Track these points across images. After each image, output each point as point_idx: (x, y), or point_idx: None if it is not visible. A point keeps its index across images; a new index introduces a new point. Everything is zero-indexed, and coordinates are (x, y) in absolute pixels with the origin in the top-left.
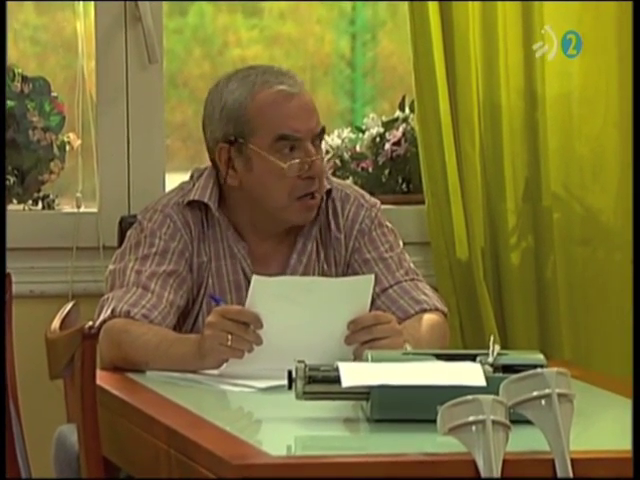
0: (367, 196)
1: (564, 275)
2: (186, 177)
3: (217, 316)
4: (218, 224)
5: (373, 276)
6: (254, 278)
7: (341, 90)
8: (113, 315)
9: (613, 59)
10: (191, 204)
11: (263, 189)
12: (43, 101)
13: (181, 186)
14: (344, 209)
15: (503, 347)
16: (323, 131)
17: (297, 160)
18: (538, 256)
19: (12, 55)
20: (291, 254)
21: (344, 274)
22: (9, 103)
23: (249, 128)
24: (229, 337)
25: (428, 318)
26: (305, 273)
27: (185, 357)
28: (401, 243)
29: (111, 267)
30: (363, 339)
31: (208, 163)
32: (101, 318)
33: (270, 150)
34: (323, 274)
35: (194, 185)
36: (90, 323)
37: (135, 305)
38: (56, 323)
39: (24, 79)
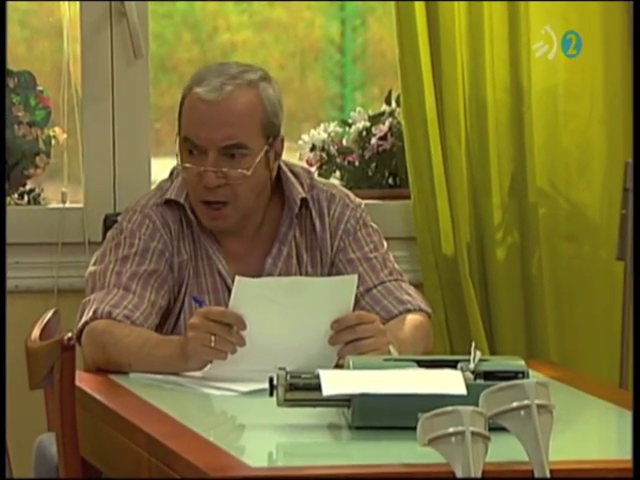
0: (352, 196)
1: (550, 271)
2: (174, 162)
3: (200, 318)
4: (193, 225)
5: (356, 276)
6: (237, 279)
7: (331, 75)
8: (95, 317)
9: (598, 54)
10: (169, 203)
11: (184, 180)
12: (28, 95)
13: (160, 185)
14: (330, 209)
15: (488, 342)
16: (238, 146)
17: (190, 165)
18: (524, 251)
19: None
20: (266, 258)
21: (329, 274)
22: None
23: (179, 121)
24: (212, 339)
25: (412, 318)
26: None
27: (168, 359)
28: (385, 244)
29: (91, 269)
30: (347, 339)
31: None
32: (83, 320)
33: (181, 148)
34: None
35: (172, 184)
36: (69, 334)
37: (117, 306)
38: (36, 332)
39: (9, 73)
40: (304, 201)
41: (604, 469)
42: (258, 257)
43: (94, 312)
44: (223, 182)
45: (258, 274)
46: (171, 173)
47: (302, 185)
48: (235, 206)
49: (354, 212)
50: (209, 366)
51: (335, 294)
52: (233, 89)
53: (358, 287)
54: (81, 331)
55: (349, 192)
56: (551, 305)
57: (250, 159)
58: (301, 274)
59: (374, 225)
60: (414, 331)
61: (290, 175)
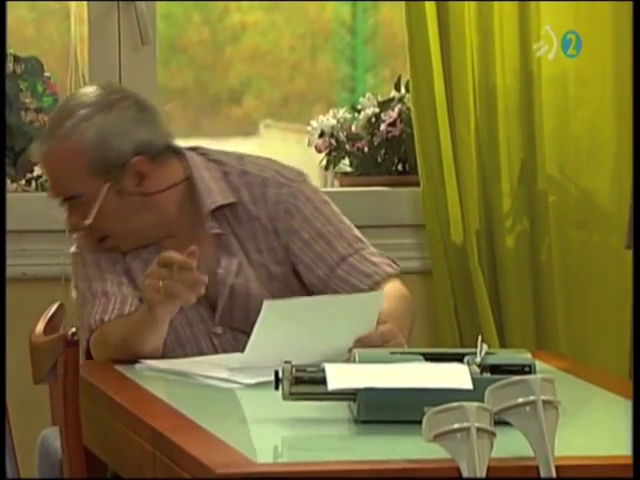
0: (286, 171)
1: (559, 258)
2: (185, 144)
3: (153, 264)
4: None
5: (382, 293)
6: (265, 303)
7: (342, 57)
8: (92, 330)
9: (608, 40)
10: None
11: None
12: (36, 82)
13: None
14: (265, 193)
15: (497, 330)
16: (72, 198)
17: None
18: (533, 239)
19: (9, 20)
20: (219, 262)
21: (286, 259)
22: None
23: None
24: (160, 283)
25: (388, 295)
26: (237, 271)
27: (141, 316)
28: (336, 209)
29: (73, 297)
30: None
31: (206, 131)
32: (85, 339)
33: None
34: (260, 264)
35: None
36: (73, 329)
37: (105, 312)
38: (40, 326)
39: (16, 59)
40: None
41: (611, 465)
42: (211, 256)
43: (89, 327)
44: (82, 227)
45: (214, 273)
46: None
47: (227, 175)
48: (116, 236)
49: (289, 189)
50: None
51: (359, 310)
52: (50, 145)
53: (322, 268)
54: (87, 349)
55: (283, 167)
56: (560, 293)
57: (88, 205)
58: (250, 262)
59: (318, 194)
60: (402, 305)
61: (205, 180)
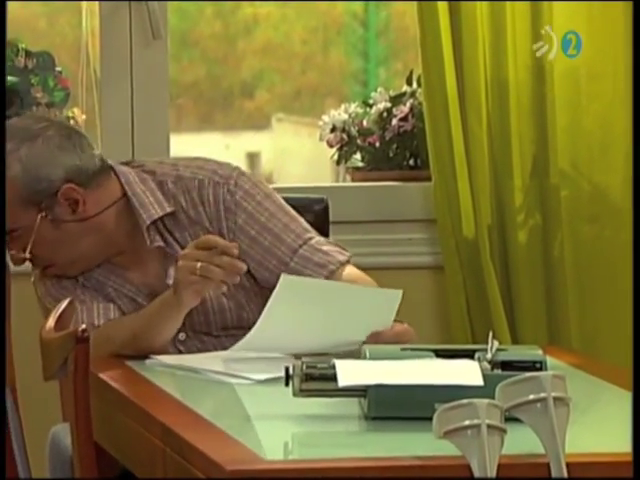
0: (223, 169)
1: (571, 253)
2: (197, 138)
3: (190, 247)
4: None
5: (402, 291)
6: (282, 276)
7: (354, 50)
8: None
9: (620, 34)
10: None
11: None
12: (47, 76)
13: None
14: (202, 196)
15: (509, 326)
16: (9, 232)
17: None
18: (545, 234)
19: (22, 13)
20: (165, 272)
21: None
22: (12, 79)
23: None
24: (198, 265)
25: (353, 278)
26: None
27: (163, 306)
28: (279, 200)
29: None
30: None
31: (218, 125)
32: (81, 330)
33: None
34: None
35: None
36: (84, 326)
37: (91, 317)
38: (51, 322)
39: (28, 54)
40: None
41: (622, 462)
42: (157, 266)
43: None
44: (24, 259)
45: (165, 284)
46: None
47: (163, 184)
48: (60, 264)
49: (226, 187)
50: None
51: (377, 305)
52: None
53: (273, 262)
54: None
55: (218, 165)
56: (572, 288)
57: (25, 237)
58: None
59: (259, 187)
60: (367, 281)
61: (140, 195)
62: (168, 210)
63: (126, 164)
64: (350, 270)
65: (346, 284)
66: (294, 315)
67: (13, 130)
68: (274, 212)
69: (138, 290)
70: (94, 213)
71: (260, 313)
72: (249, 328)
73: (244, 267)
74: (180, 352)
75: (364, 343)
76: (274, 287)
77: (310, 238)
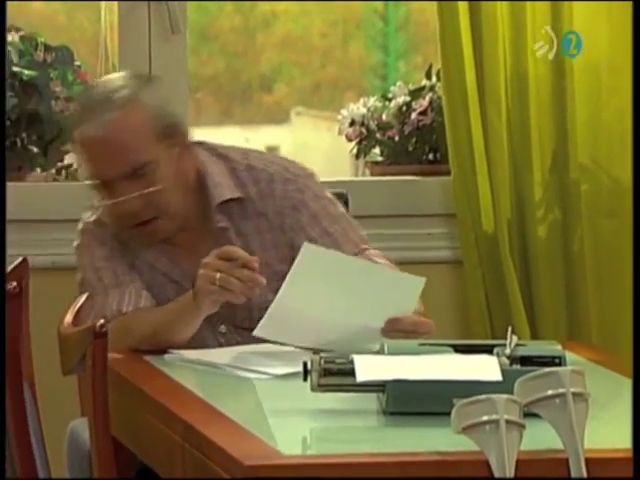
0: (294, 167)
1: (591, 248)
2: (217, 132)
3: (211, 256)
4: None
5: (425, 279)
6: (305, 245)
7: (374, 44)
8: (107, 321)
9: None
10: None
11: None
12: (66, 70)
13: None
14: (272, 189)
15: (529, 321)
16: (142, 167)
17: (108, 202)
18: (565, 229)
19: (42, 9)
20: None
21: (289, 257)
22: (31, 73)
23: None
24: (217, 276)
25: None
26: None
27: (182, 307)
28: (343, 210)
29: (77, 278)
30: (398, 339)
31: (237, 118)
32: (99, 325)
33: (90, 185)
34: (264, 263)
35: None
36: (102, 321)
37: (121, 302)
38: (69, 317)
39: (47, 48)
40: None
41: None
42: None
43: (104, 318)
44: (143, 204)
45: None
46: None
47: (234, 171)
48: (166, 217)
49: (296, 185)
50: (261, 329)
51: (400, 290)
52: (113, 116)
53: None
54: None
55: (291, 163)
56: (592, 283)
57: (158, 171)
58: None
59: (325, 192)
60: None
61: (214, 174)
62: (238, 195)
63: (198, 144)
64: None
65: (371, 263)
66: (315, 287)
67: (124, 76)
68: (336, 218)
69: (185, 275)
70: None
71: None
72: None
73: (264, 281)
74: (220, 344)
75: (384, 332)
76: None
77: (366, 249)
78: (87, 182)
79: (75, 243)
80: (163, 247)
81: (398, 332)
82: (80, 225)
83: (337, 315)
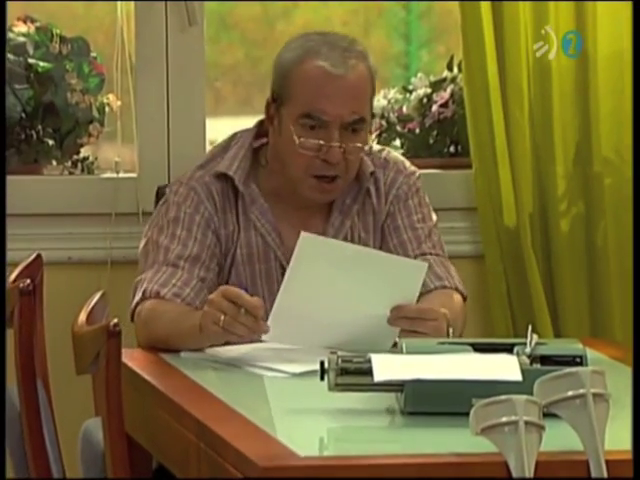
0: (407, 163)
1: (615, 242)
2: (236, 122)
3: (218, 294)
4: (243, 198)
5: (427, 265)
6: (302, 234)
7: (395, 33)
8: (144, 297)
9: None
10: (217, 176)
11: (285, 155)
12: (82, 62)
13: (212, 154)
14: (384, 174)
15: (551, 316)
16: (361, 121)
17: (313, 140)
18: (589, 223)
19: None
20: (327, 229)
21: (378, 240)
22: (46, 65)
23: (287, 92)
24: (222, 318)
25: (458, 299)
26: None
27: (190, 330)
28: (435, 218)
29: (141, 245)
30: (403, 327)
31: (257, 108)
32: (134, 302)
33: (295, 122)
34: (364, 244)
35: (226, 153)
36: (115, 320)
37: (165, 285)
38: (83, 316)
39: (62, 40)
40: (372, 174)
41: None
42: (316, 229)
43: (143, 293)
44: (344, 157)
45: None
46: (231, 139)
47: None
48: (345, 179)
49: (407, 179)
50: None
51: (402, 276)
52: (355, 62)
53: (398, 253)
54: (133, 312)
55: (405, 160)
56: (616, 278)
57: (365, 133)
58: (353, 240)
59: (427, 198)
60: (461, 315)
61: None
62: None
63: None
64: (458, 297)
65: (370, 249)
66: (315, 281)
67: (346, 36)
68: (426, 220)
69: (280, 243)
70: None
71: None
72: None
73: (268, 330)
74: None
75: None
76: None
77: (443, 257)
78: (294, 115)
79: (172, 194)
80: (276, 208)
81: (402, 320)
82: (184, 180)
83: (341, 312)
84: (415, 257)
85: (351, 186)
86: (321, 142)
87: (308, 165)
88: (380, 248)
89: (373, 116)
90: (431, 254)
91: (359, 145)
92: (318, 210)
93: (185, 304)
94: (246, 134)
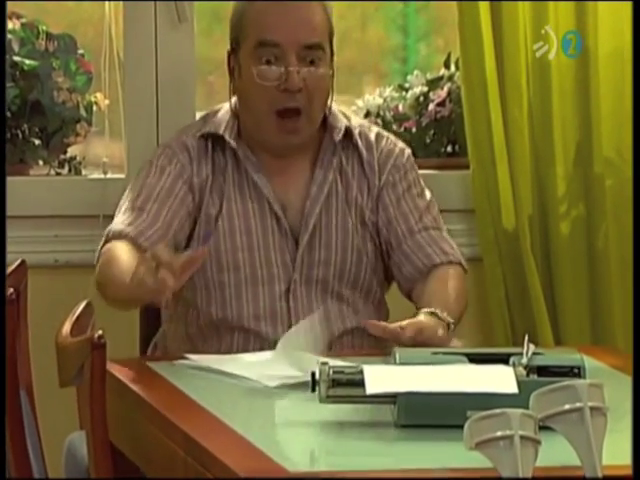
0: (399, 140)
1: (616, 245)
2: None
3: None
4: (234, 156)
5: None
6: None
7: (393, 25)
8: (107, 239)
9: None
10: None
11: (247, 94)
12: (69, 60)
13: (203, 118)
14: (378, 143)
15: (551, 321)
16: (318, 48)
17: (271, 68)
18: (589, 225)
19: None
20: (310, 184)
21: (376, 207)
22: (32, 63)
23: (242, 33)
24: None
25: (454, 274)
26: (327, 204)
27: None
28: (429, 194)
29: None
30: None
31: None
32: (99, 247)
33: (251, 57)
34: (342, 209)
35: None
36: (100, 332)
37: (129, 225)
38: (67, 326)
39: (49, 37)
40: (348, 130)
41: None
42: (302, 183)
43: (107, 234)
44: (302, 85)
45: (302, 202)
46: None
47: (345, 116)
48: (308, 116)
49: (402, 152)
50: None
51: None
52: None
53: (402, 227)
54: (99, 256)
55: (394, 136)
56: (617, 281)
57: (324, 63)
58: (348, 201)
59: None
60: (457, 299)
61: (334, 105)
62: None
63: None
64: (462, 274)
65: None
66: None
67: None
68: (424, 195)
69: (276, 198)
70: None
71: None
72: (361, 290)
73: (170, 285)
74: (287, 304)
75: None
76: (390, 250)
77: (444, 230)
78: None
79: (154, 158)
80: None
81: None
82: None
83: None
84: (419, 231)
85: (325, 141)
86: (280, 69)
87: (270, 99)
88: (378, 214)
89: (333, 55)
90: (433, 228)
91: (320, 71)
92: (296, 161)
93: (149, 244)
94: (225, 104)
